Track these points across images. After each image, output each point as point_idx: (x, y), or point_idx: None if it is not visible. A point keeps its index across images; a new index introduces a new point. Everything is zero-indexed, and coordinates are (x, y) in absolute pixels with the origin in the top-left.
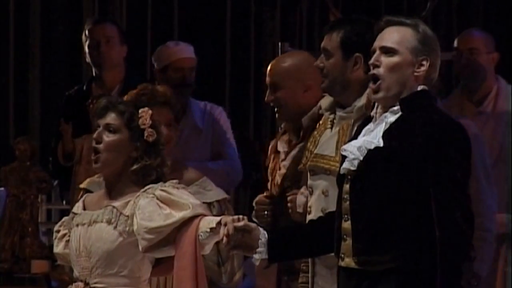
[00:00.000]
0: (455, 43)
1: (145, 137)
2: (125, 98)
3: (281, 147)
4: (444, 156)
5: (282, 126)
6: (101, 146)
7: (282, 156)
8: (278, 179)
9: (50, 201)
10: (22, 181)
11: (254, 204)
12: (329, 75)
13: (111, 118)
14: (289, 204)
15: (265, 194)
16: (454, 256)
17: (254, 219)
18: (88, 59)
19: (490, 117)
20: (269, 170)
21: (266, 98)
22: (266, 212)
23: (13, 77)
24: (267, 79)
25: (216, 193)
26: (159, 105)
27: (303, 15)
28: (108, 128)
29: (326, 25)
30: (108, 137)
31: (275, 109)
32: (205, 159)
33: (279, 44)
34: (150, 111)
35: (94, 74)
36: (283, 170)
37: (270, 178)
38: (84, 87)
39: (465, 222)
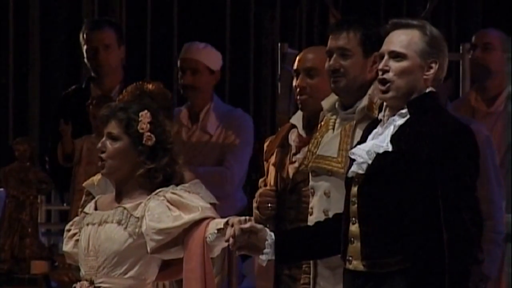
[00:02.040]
0: (473, 39)
1: (143, 142)
2: (121, 97)
3: (292, 140)
4: (452, 158)
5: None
6: (104, 154)
7: (294, 150)
8: (290, 172)
9: (50, 201)
10: (21, 182)
11: (257, 196)
12: (348, 75)
13: (111, 126)
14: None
15: (269, 187)
16: (461, 258)
17: (256, 211)
18: (87, 63)
19: (499, 118)
20: (270, 165)
21: (297, 83)
22: (269, 205)
23: (13, 77)
24: (300, 64)
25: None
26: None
27: (303, 15)
28: (110, 136)
29: (330, 26)
30: (111, 145)
31: (299, 96)
32: (210, 164)
33: (279, 44)
34: (148, 114)
35: (92, 74)
36: (296, 164)
37: (273, 172)
38: (83, 86)
39: (473, 224)
